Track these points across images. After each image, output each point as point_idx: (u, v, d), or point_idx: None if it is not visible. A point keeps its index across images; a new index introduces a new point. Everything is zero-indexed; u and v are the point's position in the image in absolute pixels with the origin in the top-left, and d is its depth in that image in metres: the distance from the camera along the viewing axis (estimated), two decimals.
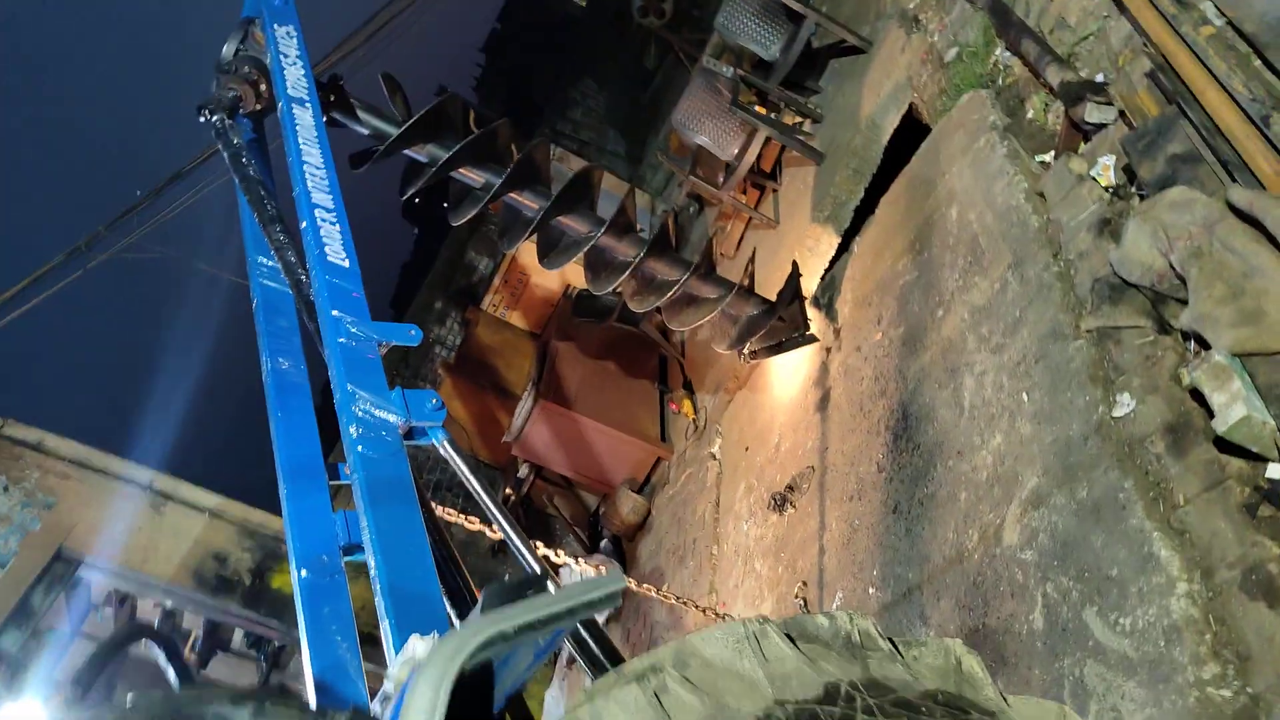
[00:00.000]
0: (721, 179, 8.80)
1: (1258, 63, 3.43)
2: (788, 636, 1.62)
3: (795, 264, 6.07)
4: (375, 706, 1.47)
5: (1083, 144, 4.47)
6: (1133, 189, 3.92)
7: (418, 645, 1.56)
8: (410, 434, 2.61)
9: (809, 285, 6.75)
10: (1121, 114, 4.18)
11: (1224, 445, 2.86)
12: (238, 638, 9.93)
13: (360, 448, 2.43)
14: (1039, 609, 3.29)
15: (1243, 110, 3.24)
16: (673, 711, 1.36)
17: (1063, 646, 3.12)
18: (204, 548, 6.64)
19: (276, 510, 7.06)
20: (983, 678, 1.80)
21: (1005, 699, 1.79)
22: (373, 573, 2.11)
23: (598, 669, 2.10)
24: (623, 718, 1.34)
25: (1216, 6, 3.72)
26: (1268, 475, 2.78)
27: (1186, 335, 3.26)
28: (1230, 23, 3.61)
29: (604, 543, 9.14)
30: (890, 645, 1.82)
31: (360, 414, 2.49)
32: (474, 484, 2.61)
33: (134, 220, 7.60)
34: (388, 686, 1.52)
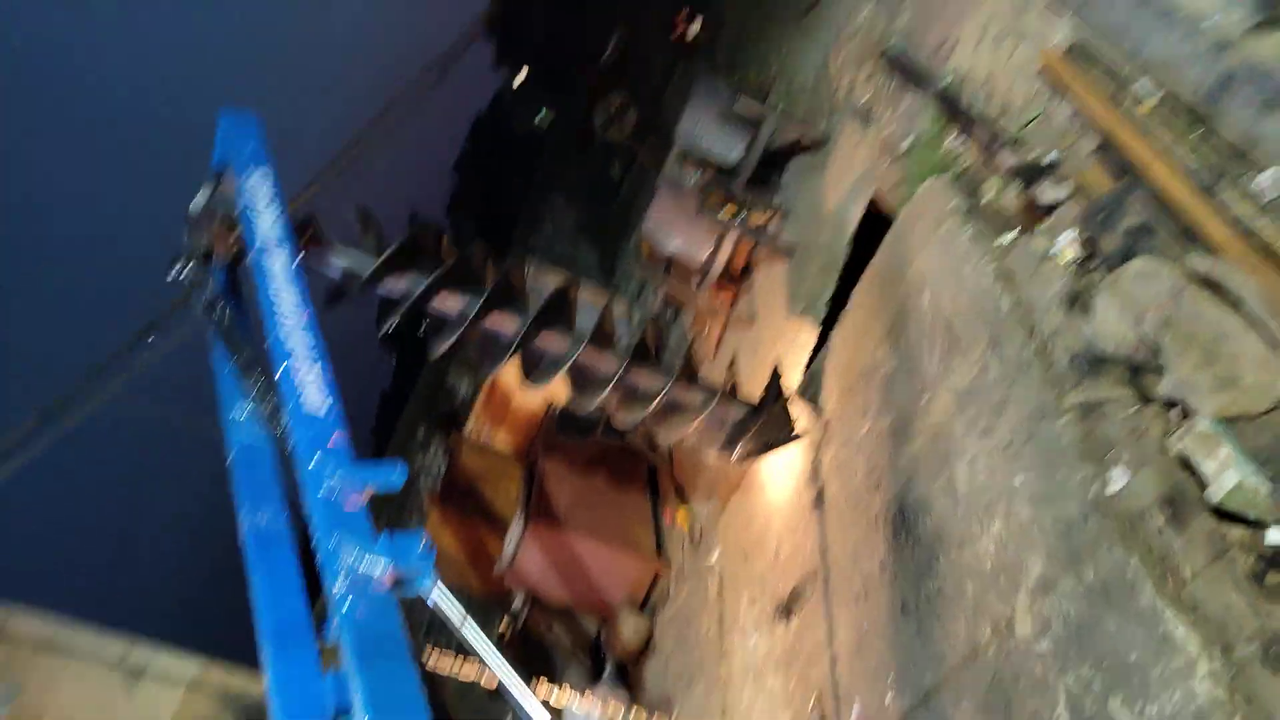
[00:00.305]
0: (696, 282, 8.92)
1: (1198, 133, 3.55)
2: None
3: (776, 365, 6.10)
4: None
5: (1042, 222, 4.57)
6: (1096, 262, 3.99)
7: None
8: (399, 584, 2.54)
9: (792, 378, 6.75)
10: (1076, 190, 4.29)
11: (1222, 513, 2.82)
12: None
13: (347, 606, 2.36)
14: (1063, 704, 3.17)
15: (1190, 179, 3.33)
16: None
17: None
18: None
19: (257, 664, 6.77)
20: None
21: None
22: None
23: None
24: None
25: (1152, 84, 3.87)
26: (1268, 541, 2.74)
27: (1169, 403, 3.26)
28: (1167, 96, 3.76)
29: (607, 671, 8.77)
30: None
31: (346, 569, 2.43)
32: (466, 637, 2.53)
33: (103, 379, 7.46)
34: None
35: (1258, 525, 2.79)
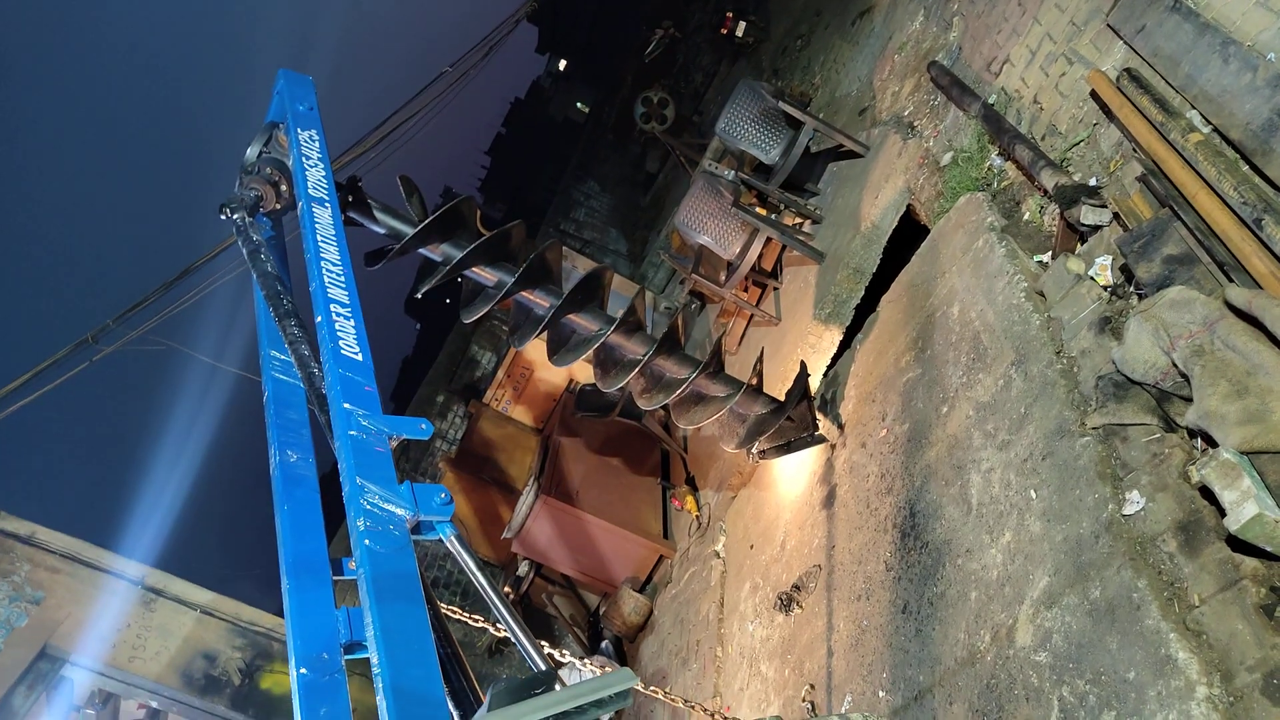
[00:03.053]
0: (724, 277, 8.95)
1: (1246, 168, 3.55)
2: None
3: (803, 364, 6.12)
4: None
5: (1079, 245, 4.57)
6: (1130, 288, 4.00)
7: None
8: (417, 528, 2.61)
9: (812, 382, 6.78)
10: (1116, 216, 4.29)
11: (1237, 544, 2.83)
12: None
13: (367, 541, 2.42)
14: (1055, 714, 3.20)
15: (1235, 213, 3.33)
16: None
17: None
18: (193, 646, 6.46)
19: (268, 607, 6.92)
20: None
21: None
22: (375, 671, 2.07)
23: None
24: None
25: (1202, 115, 3.87)
26: None
27: (1193, 433, 3.27)
28: (1217, 130, 3.75)
29: (604, 644, 8.93)
30: None
31: (369, 507, 2.49)
32: (480, 580, 2.59)
33: (142, 313, 7.70)
34: None
35: (1273, 558, 2.80)
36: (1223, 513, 2.83)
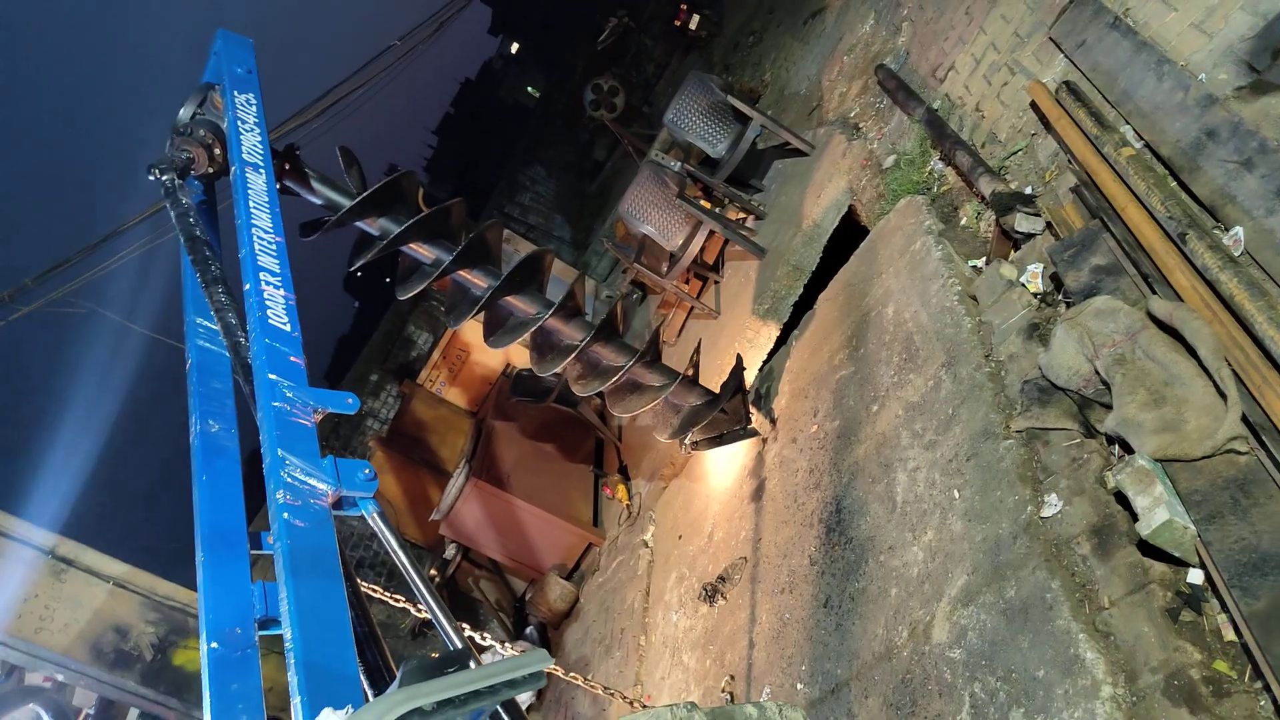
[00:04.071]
0: (665, 268, 8.96)
1: (1174, 183, 3.67)
2: None
3: (739, 357, 6.15)
4: None
5: (1013, 251, 4.68)
6: (1059, 296, 4.11)
7: (330, 718, 1.49)
8: (339, 504, 2.55)
9: (748, 376, 6.83)
10: (1049, 225, 4.40)
11: (1147, 549, 2.93)
12: (132, 718, 9.31)
13: (286, 515, 2.36)
14: (966, 709, 3.28)
15: (1161, 227, 3.44)
16: None
17: None
18: (105, 618, 6.24)
19: (184, 582, 6.73)
20: None
21: None
22: (288, 646, 2.02)
23: None
24: None
25: (1135, 130, 3.99)
26: (1189, 580, 2.85)
27: (1111, 439, 3.37)
28: (1148, 145, 3.87)
29: (529, 629, 8.89)
30: None
31: (290, 480, 2.42)
32: (401, 558, 2.54)
33: (63, 275, 7.41)
34: None
35: (1180, 564, 2.90)
36: (1135, 518, 2.92)
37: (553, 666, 4.49)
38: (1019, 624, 3.23)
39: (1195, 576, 2.83)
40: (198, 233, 3.58)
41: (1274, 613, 2.39)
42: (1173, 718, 2.63)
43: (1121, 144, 3.88)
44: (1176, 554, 2.81)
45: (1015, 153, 5.05)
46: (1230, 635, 2.66)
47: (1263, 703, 2.48)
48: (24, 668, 6.59)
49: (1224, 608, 2.65)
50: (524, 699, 8.09)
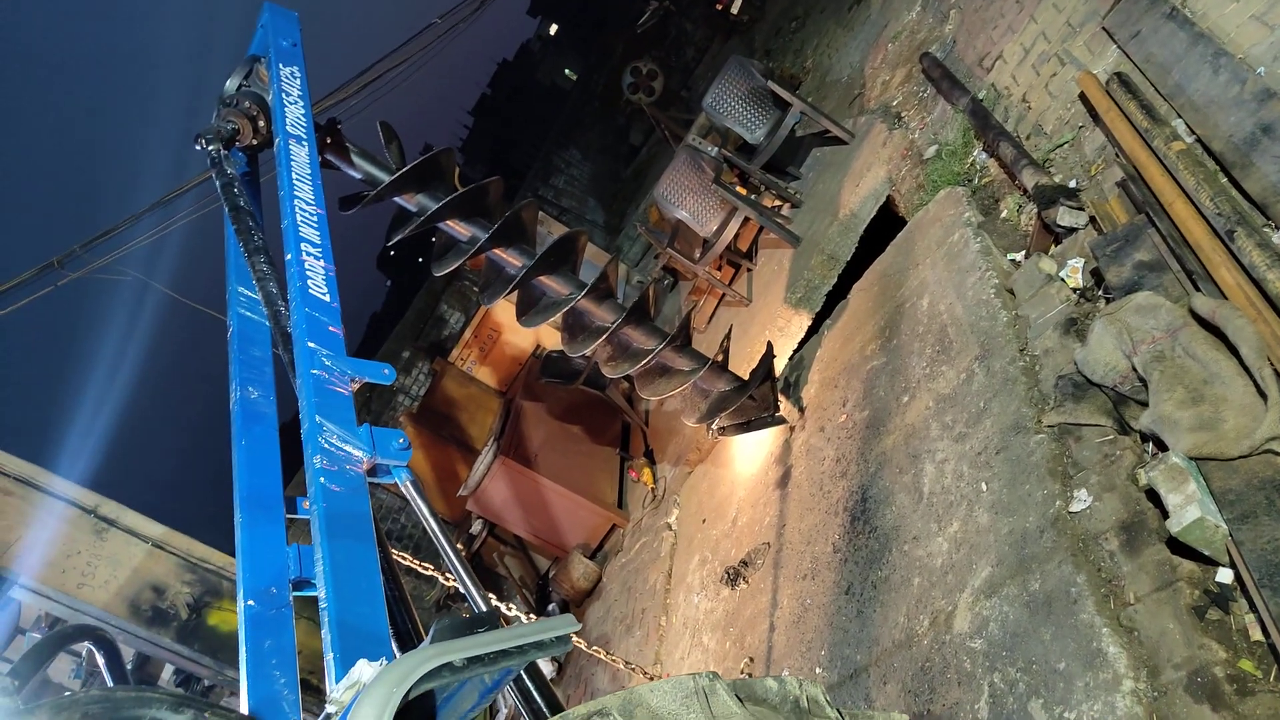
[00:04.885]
0: (698, 254, 8.95)
1: (1224, 179, 3.61)
2: (736, 696, 1.62)
3: (770, 345, 6.15)
4: None
5: (1053, 245, 4.63)
6: (1099, 292, 4.06)
7: (364, 670, 1.53)
8: (374, 471, 2.60)
9: (778, 364, 6.83)
10: (1092, 219, 4.35)
11: (1176, 546, 2.91)
12: (167, 673, 9.57)
13: (323, 479, 2.41)
14: (985, 699, 3.28)
15: (1208, 223, 3.39)
16: None
17: None
18: (142, 578, 6.42)
19: (220, 545, 6.88)
20: None
21: None
22: (322, 605, 2.07)
23: None
24: None
25: (1187, 124, 3.92)
26: (1218, 579, 2.83)
27: (1145, 436, 3.34)
28: (1200, 140, 3.81)
29: (552, 606, 8.98)
30: (837, 714, 1.81)
31: (326, 446, 2.47)
32: (432, 525, 2.59)
33: (110, 242, 7.56)
34: (330, 708, 1.48)
35: (1209, 562, 2.88)
36: (1166, 515, 2.90)
37: (579, 644, 4.55)
38: (1041, 617, 3.22)
39: (1224, 576, 2.80)
40: (241, 203, 3.64)
41: None
42: (1194, 714, 2.62)
43: (1172, 138, 3.82)
44: (1206, 552, 2.78)
45: (1061, 145, 4.98)
46: (1257, 635, 2.64)
47: None
48: (67, 621, 6.79)
49: (1252, 607, 2.63)
50: (545, 672, 8.18)
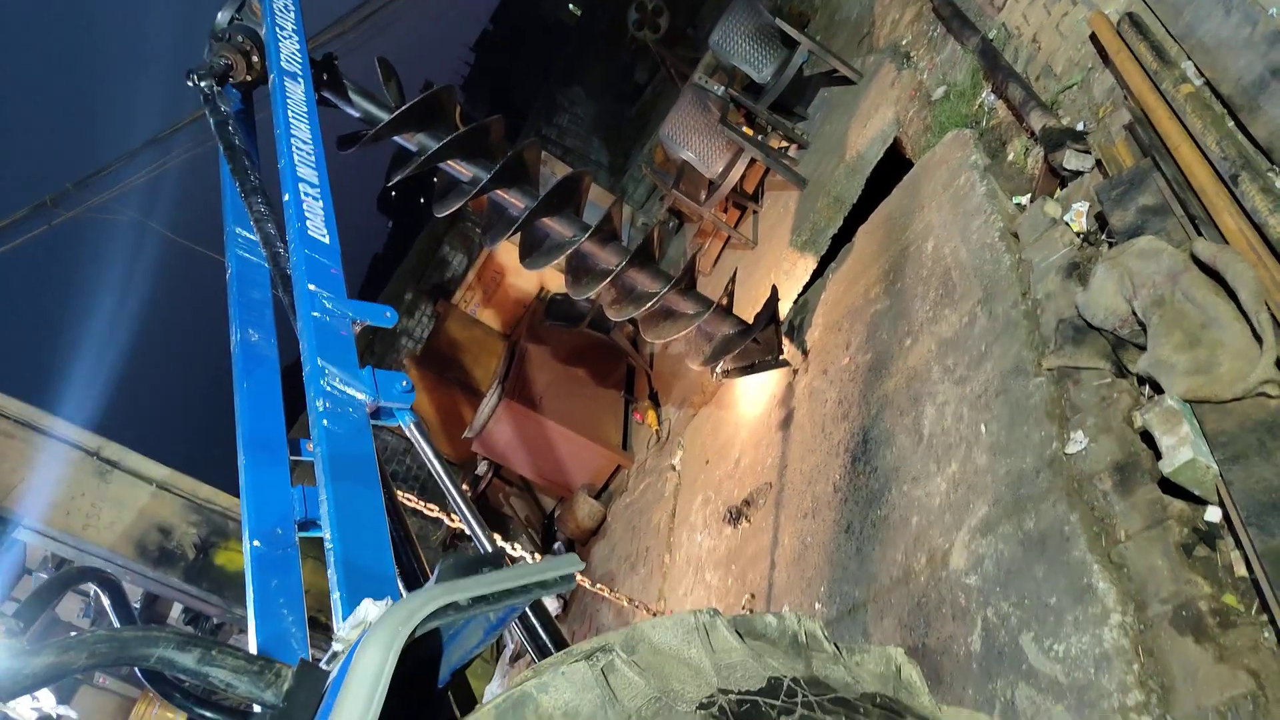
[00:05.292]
0: (704, 196, 8.88)
1: (1231, 123, 3.57)
2: (736, 631, 1.66)
3: (774, 288, 6.14)
4: (323, 666, 1.47)
5: (1059, 189, 4.59)
6: (1103, 236, 4.04)
7: (370, 608, 1.57)
8: (377, 414, 2.62)
9: (782, 307, 6.83)
10: (1098, 163, 4.31)
11: (1168, 486, 2.95)
12: (175, 612, 9.78)
13: (325, 422, 2.43)
14: (978, 632, 3.36)
15: (1213, 168, 3.36)
16: (618, 690, 1.38)
17: (997, 669, 3.20)
18: (148, 519, 6.51)
19: (225, 486, 6.98)
20: (920, 686, 1.85)
21: (940, 708, 1.84)
22: (328, 546, 2.10)
23: (545, 657, 2.11)
24: (568, 693, 1.35)
25: (1196, 66, 3.86)
26: (1206, 518, 2.88)
27: (1142, 380, 3.36)
28: (1208, 83, 3.75)
29: (557, 545, 9.14)
30: (834, 648, 1.86)
31: (329, 389, 2.49)
32: (436, 466, 2.62)
33: (104, 180, 7.50)
34: (336, 646, 1.52)
35: (1199, 502, 2.92)
36: (1159, 456, 2.94)
37: (584, 582, 4.64)
38: (1035, 554, 3.28)
39: (1213, 514, 2.85)
40: (236, 141, 3.60)
41: None
42: (1177, 646, 2.68)
43: (1180, 80, 3.76)
44: (1197, 492, 2.83)
45: (1070, 87, 4.90)
46: (1242, 571, 2.69)
47: (1266, 634, 2.53)
48: (73, 561, 6.93)
49: (1238, 545, 2.68)
50: (551, 608, 8.37)
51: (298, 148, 3.36)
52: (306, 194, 3.19)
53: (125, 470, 6.46)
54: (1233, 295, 3.02)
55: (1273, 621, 2.45)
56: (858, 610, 4.19)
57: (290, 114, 3.43)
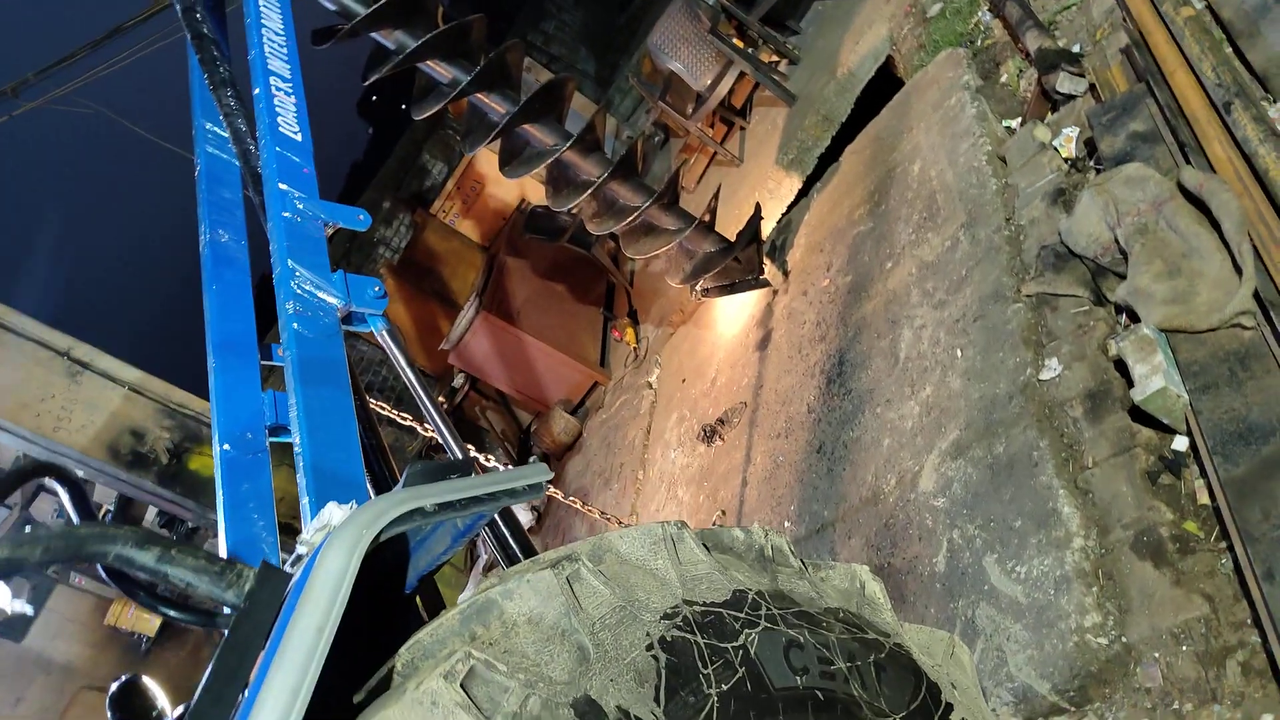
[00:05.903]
0: (691, 110, 8.68)
1: (1229, 49, 3.49)
2: (703, 544, 1.67)
3: (758, 206, 6.06)
4: (287, 569, 1.46)
5: (1050, 113, 4.52)
6: (1091, 162, 3.99)
7: (335, 511, 1.55)
8: (349, 319, 2.57)
9: (765, 226, 6.75)
10: (1091, 87, 4.23)
11: (1138, 415, 2.98)
12: (150, 516, 9.80)
13: (296, 325, 2.38)
14: (943, 553, 3.43)
15: (1207, 94, 3.30)
16: (583, 598, 1.39)
17: (960, 589, 3.27)
18: (121, 422, 6.44)
19: (197, 391, 6.90)
20: (883, 602, 1.88)
21: (901, 625, 1.88)
22: (296, 450, 2.08)
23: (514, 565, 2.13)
24: (533, 600, 1.36)
25: None
26: (1173, 447, 2.92)
27: (1119, 308, 3.36)
28: (1209, 6, 3.66)
29: (533, 458, 9.21)
30: (800, 564, 1.88)
31: (299, 292, 2.43)
32: (409, 375, 2.59)
33: (68, 71, 7.18)
34: (300, 549, 1.51)
35: (1168, 431, 2.96)
36: (1131, 384, 2.96)
37: (552, 489, 4.66)
38: (1003, 478, 3.33)
39: (1180, 443, 2.89)
40: (205, 30, 3.43)
41: (1250, 479, 2.46)
42: (1137, 569, 2.75)
43: (1182, 2, 3.66)
44: (1166, 420, 2.86)
45: (1069, 7, 4.78)
46: (1204, 499, 2.74)
47: (1223, 561, 2.59)
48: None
49: (1203, 473, 2.72)
50: (524, 522, 8.49)
51: (269, 39, 3.22)
52: (278, 88, 3.07)
53: (96, 372, 6.34)
54: (1216, 225, 3.00)
55: (1230, 549, 2.51)
56: (826, 529, 4.27)
57: (261, 2, 3.28)
